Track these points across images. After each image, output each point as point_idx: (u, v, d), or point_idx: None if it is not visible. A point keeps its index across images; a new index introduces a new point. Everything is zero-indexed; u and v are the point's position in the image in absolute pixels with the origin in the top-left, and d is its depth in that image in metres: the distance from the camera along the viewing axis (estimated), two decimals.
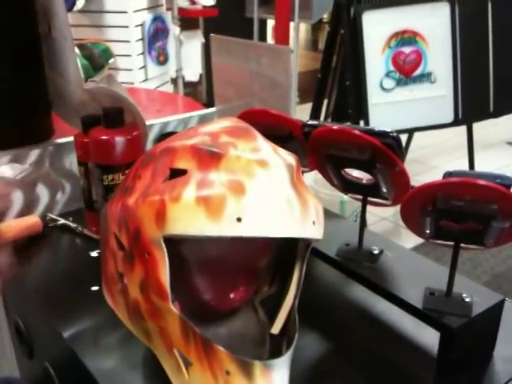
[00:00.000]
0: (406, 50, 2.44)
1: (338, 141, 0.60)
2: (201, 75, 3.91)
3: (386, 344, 0.69)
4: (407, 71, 2.46)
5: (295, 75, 1.06)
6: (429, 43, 2.44)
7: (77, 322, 0.73)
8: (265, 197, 0.50)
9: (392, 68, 2.44)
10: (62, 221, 0.97)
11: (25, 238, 0.93)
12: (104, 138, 0.81)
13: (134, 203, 0.54)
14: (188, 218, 0.49)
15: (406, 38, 2.43)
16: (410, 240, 1.89)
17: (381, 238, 0.76)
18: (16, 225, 0.92)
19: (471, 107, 2.50)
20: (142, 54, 2.91)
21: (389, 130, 0.58)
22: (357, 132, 0.57)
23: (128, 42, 2.79)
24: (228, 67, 1.23)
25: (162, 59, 3.12)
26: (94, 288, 0.79)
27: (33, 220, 0.94)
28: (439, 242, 0.60)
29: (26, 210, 0.99)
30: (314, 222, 0.52)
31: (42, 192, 1.01)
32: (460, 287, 0.63)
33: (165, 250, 0.51)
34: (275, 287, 0.66)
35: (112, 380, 0.63)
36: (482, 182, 0.49)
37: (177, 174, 0.52)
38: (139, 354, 0.67)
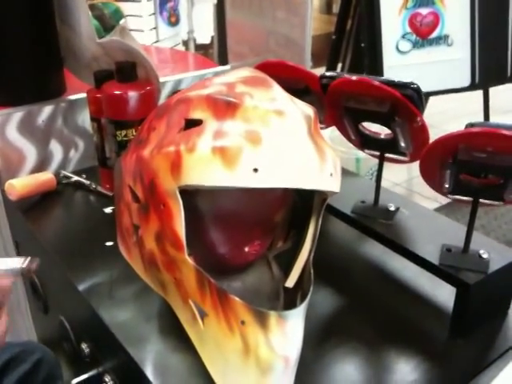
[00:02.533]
0: (423, 11, 2.38)
1: (356, 92, 0.59)
2: (212, 37, 3.85)
3: (400, 302, 0.68)
4: (424, 33, 2.40)
5: (310, 33, 1.03)
6: (446, 5, 2.38)
7: (92, 276, 0.74)
8: (282, 147, 0.49)
9: (409, 30, 2.38)
10: (75, 178, 0.97)
11: (38, 194, 0.93)
12: (117, 92, 0.80)
13: (149, 155, 0.53)
14: (203, 169, 0.48)
15: None
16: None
17: (397, 196, 0.75)
18: (30, 181, 0.92)
19: (488, 71, 2.45)
20: (154, 14, 2.87)
21: (409, 81, 0.56)
22: (376, 83, 0.56)
23: (139, 1, 2.74)
24: (243, 23, 1.20)
25: (174, 20, 3.07)
26: (109, 243, 0.79)
27: (46, 177, 0.94)
28: (458, 197, 0.59)
29: (40, 166, 0.99)
30: (331, 174, 0.51)
31: (56, 149, 1.00)
32: (477, 244, 0.63)
33: (180, 201, 0.50)
34: (290, 243, 0.66)
35: (127, 332, 0.63)
36: (505, 131, 0.48)
37: (192, 124, 0.51)
38: (154, 306, 0.67)
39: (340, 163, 0.55)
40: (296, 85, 0.68)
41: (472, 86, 2.44)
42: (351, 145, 0.77)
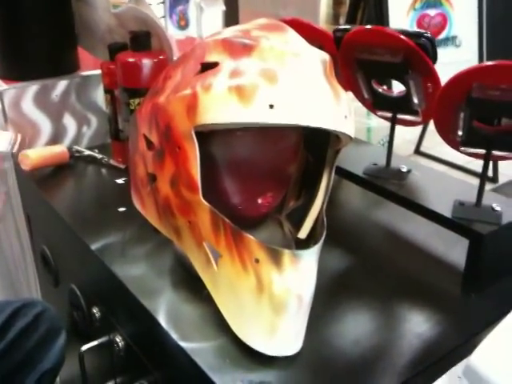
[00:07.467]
0: (431, 12, 2.39)
1: (370, 43, 0.59)
2: None
3: (413, 261, 0.68)
4: (432, 35, 2.41)
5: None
6: (454, 6, 2.39)
7: (104, 238, 0.74)
8: (297, 85, 0.49)
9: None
10: (87, 152, 0.98)
11: (51, 166, 0.94)
12: (131, 60, 0.81)
13: (165, 100, 0.54)
14: (220, 106, 0.49)
15: (431, 0, 2.38)
16: None
17: (408, 160, 0.76)
18: (43, 152, 0.93)
19: None
20: (163, 17, 2.89)
21: (423, 31, 0.57)
22: (390, 31, 0.56)
23: (149, 4, 2.77)
24: (255, 16, 1.22)
25: (183, 24, 3.09)
26: (121, 209, 0.80)
27: (60, 149, 0.95)
28: (471, 150, 0.59)
29: (53, 141, 1.00)
30: (346, 117, 0.52)
31: (69, 124, 1.02)
32: (489, 200, 0.63)
33: (195, 141, 0.50)
34: (302, 201, 0.66)
35: (140, 285, 0.63)
36: None
37: (208, 67, 0.52)
38: (166, 263, 0.67)
39: (353, 109, 0.55)
40: (310, 44, 0.68)
41: None
42: (362, 114, 0.77)
